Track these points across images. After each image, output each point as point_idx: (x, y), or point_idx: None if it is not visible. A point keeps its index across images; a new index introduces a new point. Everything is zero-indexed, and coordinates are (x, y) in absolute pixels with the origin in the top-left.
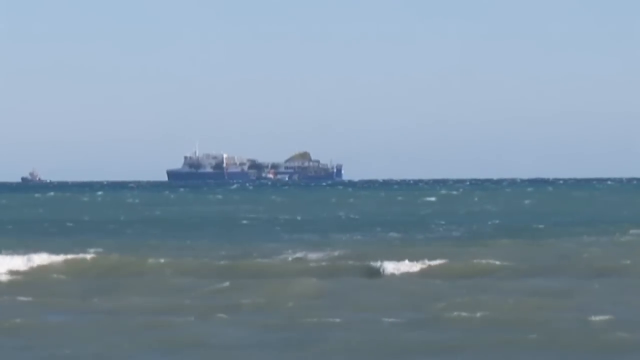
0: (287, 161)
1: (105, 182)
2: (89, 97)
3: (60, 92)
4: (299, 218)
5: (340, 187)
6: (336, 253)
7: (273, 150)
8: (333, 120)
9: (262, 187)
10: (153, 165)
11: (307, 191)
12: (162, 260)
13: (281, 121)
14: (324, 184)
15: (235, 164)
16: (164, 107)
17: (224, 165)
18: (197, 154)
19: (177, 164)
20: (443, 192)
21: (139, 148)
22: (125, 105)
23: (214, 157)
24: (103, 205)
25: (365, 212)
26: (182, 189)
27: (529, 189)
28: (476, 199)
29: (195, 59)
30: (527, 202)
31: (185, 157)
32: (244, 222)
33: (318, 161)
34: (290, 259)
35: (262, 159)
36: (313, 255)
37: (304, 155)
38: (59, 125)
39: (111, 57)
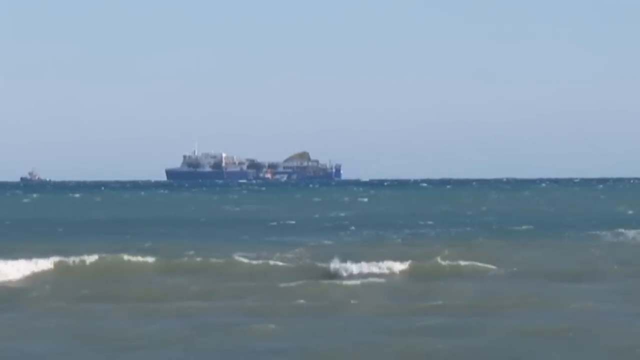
0: (286, 161)
1: (103, 182)
2: (88, 97)
3: (59, 92)
4: (332, 215)
5: (354, 187)
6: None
7: (272, 150)
8: (332, 120)
9: (273, 186)
10: (152, 164)
11: (324, 191)
12: (212, 260)
13: (280, 121)
14: (333, 183)
15: (234, 163)
16: (163, 107)
17: (223, 164)
18: (196, 154)
19: (176, 164)
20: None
21: (137, 147)
22: (124, 105)
23: (213, 157)
24: (132, 205)
25: (396, 213)
26: (204, 189)
27: (535, 188)
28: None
29: (194, 59)
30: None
31: (184, 157)
32: (273, 223)
33: (317, 161)
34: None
35: (261, 158)
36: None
37: (303, 155)
38: (58, 125)
39: (110, 57)
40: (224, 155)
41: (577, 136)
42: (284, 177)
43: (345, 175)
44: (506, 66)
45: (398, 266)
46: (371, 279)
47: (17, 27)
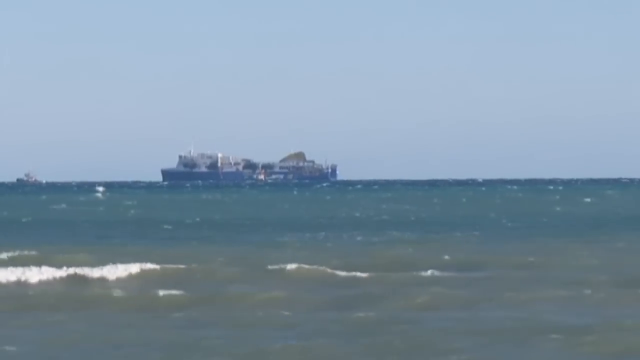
0: (281, 161)
1: (101, 183)
2: (84, 98)
3: (55, 93)
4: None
5: (364, 188)
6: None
7: (268, 150)
8: (328, 120)
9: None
10: (148, 164)
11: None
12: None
13: (276, 121)
14: (350, 185)
15: (230, 163)
16: (159, 107)
17: (219, 164)
18: (191, 154)
19: (172, 164)
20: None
21: (134, 148)
22: (121, 106)
23: (209, 157)
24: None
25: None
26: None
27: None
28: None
29: (191, 60)
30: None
31: (180, 157)
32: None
33: (313, 161)
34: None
35: (257, 158)
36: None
37: (299, 156)
38: (54, 126)
39: (106, 58)
40: (219, 155)
41: (580, 137)
42: (280, 177)
43: (341, 175)
44: (505, 67)
45: None
46: None
47: (13, 28)
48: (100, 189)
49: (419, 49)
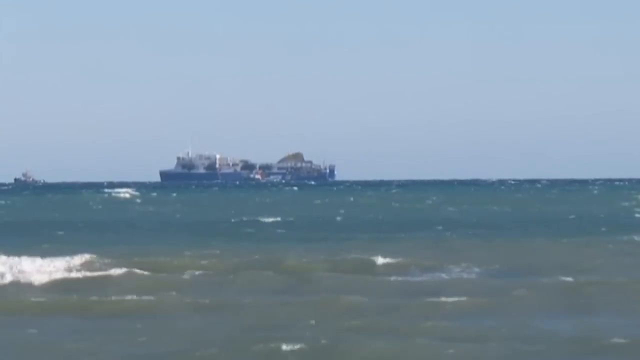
0: (280, 162)
1: (99, 183)
2: (82, 98)
3: (53, 93)
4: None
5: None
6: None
7: (266, 151)
8: (326, 121)
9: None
10: (146, 166)
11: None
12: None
13: (274, 122)
14: (348, 184)
15: (228, 164)
16: (157, 109)
17: (217, 165)
18: (189, 155)
19: (170, 165)
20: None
21: (131, 149)
22: (118, 107)
23: (207, 158)
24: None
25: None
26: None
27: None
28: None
29: (188, 60)
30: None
31: (178, 158)
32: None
33: (311, 162)
34: None
35: (255, 159)
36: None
37: (297, 156)
38: (52, 126)
39: (104, 59)
40: (218, 156)
41: (579, 138)
42: (278, 178)
43: (339, 176)
44: (503, 68)
45: None
46: None
47: (13, 27)
48: (121, 189)
49: (418, 49)
